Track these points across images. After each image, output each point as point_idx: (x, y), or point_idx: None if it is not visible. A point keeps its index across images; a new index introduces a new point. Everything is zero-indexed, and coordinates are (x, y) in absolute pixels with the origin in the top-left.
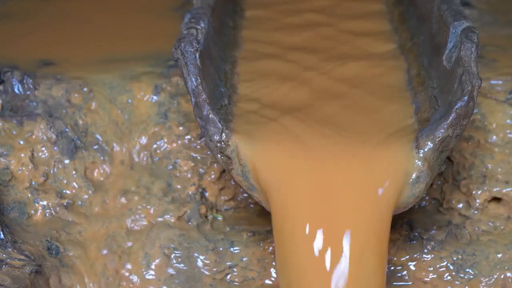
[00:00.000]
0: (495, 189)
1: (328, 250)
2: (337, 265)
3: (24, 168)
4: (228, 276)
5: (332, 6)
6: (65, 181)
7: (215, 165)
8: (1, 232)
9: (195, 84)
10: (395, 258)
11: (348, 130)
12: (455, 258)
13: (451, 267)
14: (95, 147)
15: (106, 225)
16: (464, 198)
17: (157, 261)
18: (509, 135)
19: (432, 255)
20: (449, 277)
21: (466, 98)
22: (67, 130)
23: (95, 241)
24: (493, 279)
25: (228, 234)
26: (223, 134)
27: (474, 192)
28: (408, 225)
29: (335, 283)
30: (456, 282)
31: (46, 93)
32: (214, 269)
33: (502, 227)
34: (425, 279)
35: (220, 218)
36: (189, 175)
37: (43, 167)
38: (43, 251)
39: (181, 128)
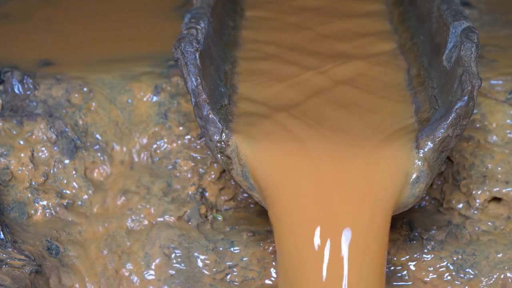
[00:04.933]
0: (495, 189)
1: (327, 250)
2: (336, 265)
3: (24, 168)
4: (228, 276)
5: (332, 5)
6: (65, 181)
7: (215, 165)
8: (1, 232)
9: (195, 84)
10: (395, 258)
11: (348, 130)
12: (455, 258)
13: (451, 267)
14: (95, 147)
15: (106, 225)
16: (464, 198)
17: (157, 261)
18: (509, 135)
19: (432, 255)
20: (449, 277)
21: (466, 98)
22: (67, 130)
23: (95, 241)
24: (493, 279)
25: (228, 234)
26: (223, 134)
27: (474, 192)
28: (408, 225)
29: (334, 283)
30: (456, 282)
31: (46, 93)
32: (214, 269)
33: (502, 227)
34: (425, 279)
35: (220, 218)
36: (189, 175)
37: (43, 167)
38: (43, 251)
39: (181, 128)
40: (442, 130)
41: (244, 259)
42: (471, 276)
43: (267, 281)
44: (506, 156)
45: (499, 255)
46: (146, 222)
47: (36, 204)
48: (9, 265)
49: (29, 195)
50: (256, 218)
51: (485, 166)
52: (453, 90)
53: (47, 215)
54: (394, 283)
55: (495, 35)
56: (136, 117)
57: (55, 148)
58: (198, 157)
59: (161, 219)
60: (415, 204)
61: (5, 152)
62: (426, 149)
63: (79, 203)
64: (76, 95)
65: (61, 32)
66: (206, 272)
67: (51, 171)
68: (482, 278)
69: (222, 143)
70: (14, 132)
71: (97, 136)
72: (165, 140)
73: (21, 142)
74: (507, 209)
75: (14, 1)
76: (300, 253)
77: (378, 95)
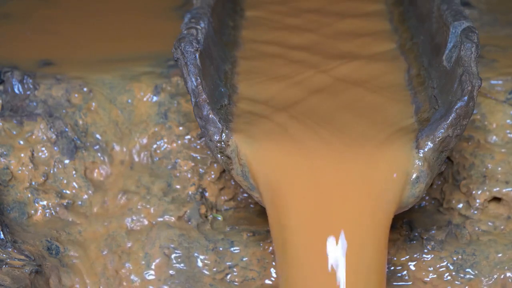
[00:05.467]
0: (495, 189)
1: (327, 250)
2: (337, 266)
3: (24, 168)
4: (228, 276)
5: (332, 5)
6: (65, 181)
7: (215, 165)
8: (1, 232)
9: (195, 84)
10: (395, 258)
11: (348, 130)
12: (455, 258)
13: (451, 267)
14: (95, 147)
15: (106, 225)
16: (464, 198)
17: (157, 261)
18: (509, 135)
19: (432, 255)
20: (449, 277)
21: (466, 98)
22: (67, 130)
23: (95, 241)
24: (493, 279)
25: (228, 234)
26: (223, 134)
27: (474, 192)
28: (408, 225)
29: (334, 283)
30: (456, 282)
31: (46, 93)
32: (214, 269)
33: (502, 227)
34: (425, 279)
35: (220, 218)
36: (189, 175)
37: (43, 167)
38: (43, 251)
39: (181, 128)
40: (442, 130)
41: (244, 259)
42: (471, 276)
43: (267, 281)
44: (506, 156)
45: (499, 255)
46: (146, 222)
47: (36, 204)
48: (9, 265)
49: (29, 195)
50: (256, 218)
51: (485, 166)
52: (453, 90)
53: (47, 215)
54: (394, 283)
55: (495, 35)
56: (136, 117)
57: (55, 148)
58: (198, 157)
59: (161, 219)
60: (415, 204)
61: (5, 152)
62: (426, 149)
63: (79, 203)
64: (76, 95)
65: (61, 32)
66: (206, 272)
67: (51, 171)
68: (482, 278)
69: (222, 143)
70: (14, 132)
71: (97, 136)
72: (165, 140)
73: (21, 142)
74: (507, 209)
75: (14, 1)
76: (300, 253)
77: (378, 95)
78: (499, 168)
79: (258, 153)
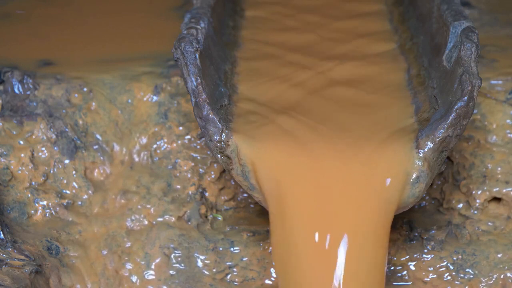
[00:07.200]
0: (495, 189)
1: (327, 250)
2: (336, 266)
3: (24, 168)
4: (228, 276)
5: (332, 5)
6: (65, 181)
7: (215, 165)
8: (1, 232)
9: (195, 84)
10: (395, 258)
11: (348, 130)
12: (455, 258)
13: (451, 267)
14: (95, 147)
15: (106, 225)
16: (464, 198)
17: (157, 261)
18: (509, 135)
19: (432, 255)
20: (449, 277)
21: (466, 98)
22: (67, 130)
23: (95, 241)
24: (493, 279)
25: (228, 234)
26: (223, 134)
27: (474, 192)
28: (408, 225)
29: (334, 283)
30: (456, 282)
31: (46, 93)
32: (214, 269)
33: (502, 227)
34: (425, 279)
35: (220, 218)
36: (189, 175)
37: (43, 167)
38: (43, 251)
39: (181, 128)
40: (442, 130)
41: (244, 259)
42: (471, 276)
43: (267, 281)
44: (506, 156)
45: (499, 255)
46: (146, 222)
47: (36, 204)
48: (9, 265)
49: (29, 195)
50: (256, 218)
51: (485, 166)
52: (453, 90)
53: (47, 215)
54: (394, 283)
55: (495, 35)
56: (136, 117)
57: (55, 148)
58: (198, 157)
59: (161, 219)
60: (415, 204)
61: (5, 152)
62: (426, 149)
63: (79, 203)
64: (76, 95)
65: (62, 32)
66: (206, 272)
67: (51, 171)
68: (482, 278)
69: (222, 143)
70: (14, 132)
71: (97, 136)
72: (165, 140)
73: (21, 142)
74: (507, 209)
75: (14, 1)
76: (300, 253)
77: (378, 95)
78: (499, 168)
79: (258, 153)
